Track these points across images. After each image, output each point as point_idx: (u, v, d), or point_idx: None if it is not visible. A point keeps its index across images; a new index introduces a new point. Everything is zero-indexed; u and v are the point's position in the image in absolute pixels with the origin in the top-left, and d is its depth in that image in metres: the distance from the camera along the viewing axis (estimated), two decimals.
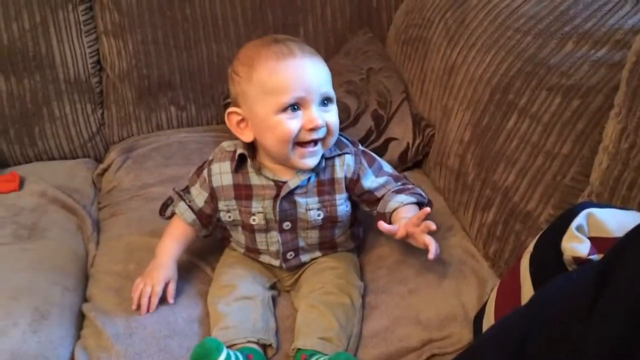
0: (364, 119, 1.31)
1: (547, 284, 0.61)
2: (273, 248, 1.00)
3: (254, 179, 0.96)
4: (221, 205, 0.99)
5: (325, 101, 0.92)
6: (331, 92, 0.93)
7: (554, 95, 0.95)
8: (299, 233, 0.99)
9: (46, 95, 1.44)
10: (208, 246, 1.11)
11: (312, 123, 0.89)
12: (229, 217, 0.99)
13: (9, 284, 1.00)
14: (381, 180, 1.00)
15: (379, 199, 1.00)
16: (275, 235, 0.98)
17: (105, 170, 1.41)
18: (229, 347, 0.89)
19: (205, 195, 1.00)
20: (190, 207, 1.02)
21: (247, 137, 0.95)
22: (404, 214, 0.96)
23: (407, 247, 1.09)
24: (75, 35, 1.44)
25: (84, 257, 1.15)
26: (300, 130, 0.90)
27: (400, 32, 1.43)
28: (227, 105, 1.44)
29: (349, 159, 0.97)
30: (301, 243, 1.00)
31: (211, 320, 0.95)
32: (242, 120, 0.94)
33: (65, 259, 1.11)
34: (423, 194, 1.01)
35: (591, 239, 0.69)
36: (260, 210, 0.96)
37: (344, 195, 0.98)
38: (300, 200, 0.96)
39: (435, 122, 1.27)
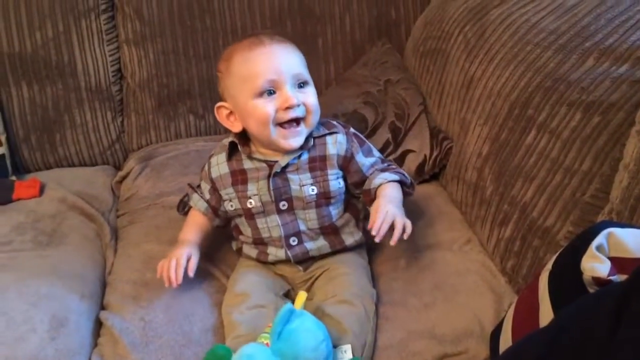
0: (381, 130, 1.31)
1: (565, 308, 0.60)
2: (275, 233, 1.02)
3: (247, 164, 1.02)
4: (223, 194, 1.04)
5: (301, 84, 0.98)
6: (305, 75, 0.98)
7: (574, 111, 0.94)
8: (297, 214, 1.01)
9: (68, 102, 1.46)
10: (223, 256, 1.12)
11: (286, 102, 0.95)
12: (231, 206, 1.03)
13: (28, 290, 1.02)
14: (371, 160, 1.04)
15: (367, 179, 1.04)
16: (274, 219, 1.01)
17: (124, 177, 1.43)
18: None
19: (208, 187, 1.07)
20: (202, 197, 1.08)
21: (237, 127, 1.01)
22: (387, 190, 1.00)
23: (423, 259, 1.09)
24: (97, 44, 1.46)
25: (102, 264, 1.17)
26: (277, 111, 0.96)
27: (419, 44, 1.43)
28: None
29: (340, 137, 1.02)
30: (302, 226, 1.02)
31: (225, 329, 0.96)
32: (231, 113, 1.01)
33: (84, 266, 1.12)
34: (406, 174, 1.05)
35: (611, 259, 0.68)
36: (255, 192, 1.00)
37: (336, 171, 1.02)
38: (292, 177, 1.00)
39: (453, 135, 1.26)
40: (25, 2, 1.40)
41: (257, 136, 0.99)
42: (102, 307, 1.06)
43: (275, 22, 1.50)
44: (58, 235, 1.19)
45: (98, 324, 1.02)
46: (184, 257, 1.00)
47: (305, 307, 1.02)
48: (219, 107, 1.02)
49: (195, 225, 1.08)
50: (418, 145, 1.29)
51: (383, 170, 1.03)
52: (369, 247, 1.11)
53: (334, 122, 1.04)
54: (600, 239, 0.69)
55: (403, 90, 1.38)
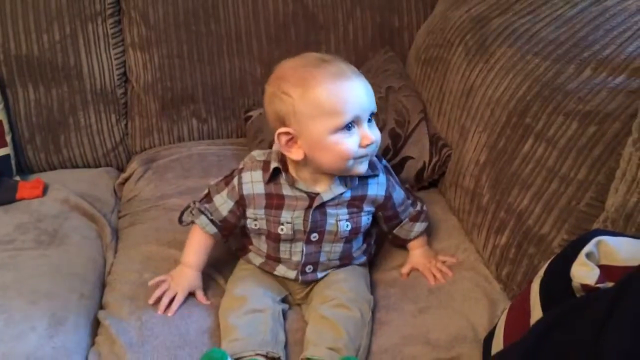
0: (381, 137, 1.31)
1: (551, 311, 0.60)
2: (295, 258, 1.02)
3: (287, 190, 0.99)
4: (249, 212, 1.01)
5: (370, 117, 0.96)
6: (375, 110, 0.97)
7: (571, 120, 0.95)
8: (323, 246, 1.01)
9: (73, 105, 1.47)
10: (222, 258, 1.13)
11: (367, 140, 0.94)
12: (255, 225, 1.01)
13: (29, 288, 1.03)
14: (401, 195, 1.07)
15: (397, 214, 1.07)
16: (300, 246, 1.01)
17: (126, 179, 1.44)
18: (237, 359, 0.90)
19: (230, 204, 1.02)
20: (212, 220, 1.03)
21: (297, 155, 0.95)
22: (421, 241, 1.13)
23: None
24: (103, 48, 1.48)
25: (102, 264, 1.18)
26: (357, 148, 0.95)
27: (421, 51, 1.44)
28: (247, 119, 1.48)
29: (381, 179, 1.03)
30: (322, 258, 1.02)
31: (221, 332, 0.97)
32: (291, 139, 0.95)
33: (84, 266, 1.13)
34: (424, 209, 1.12)
35: (601, 266, 0.68)
36: (289, 220, 0.98)
37: (369, 208, 1.03)
38: (331, 211, 0.99)
39: (452, 143, 1.27)
40: (33, 5, 1.42)
41: (326, 168, 0.96)
42: (101, 307, 1.07)
43: (279, 29, 1.51)
44: (60, 235, 1.20)
45: (96, 324, 1.03)
46: (184, 293, 1.01)
47: (302, 309, 1.04)
48: (281, 133, 0.94)
49: (201, 248, 1.05)
50: (417, 152, 1.30)
51: (414, 218, 1.09)
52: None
53: (374, 161, 1.03)
54: (590, 246, 0.70)
55: (404, 98, 1.39)
